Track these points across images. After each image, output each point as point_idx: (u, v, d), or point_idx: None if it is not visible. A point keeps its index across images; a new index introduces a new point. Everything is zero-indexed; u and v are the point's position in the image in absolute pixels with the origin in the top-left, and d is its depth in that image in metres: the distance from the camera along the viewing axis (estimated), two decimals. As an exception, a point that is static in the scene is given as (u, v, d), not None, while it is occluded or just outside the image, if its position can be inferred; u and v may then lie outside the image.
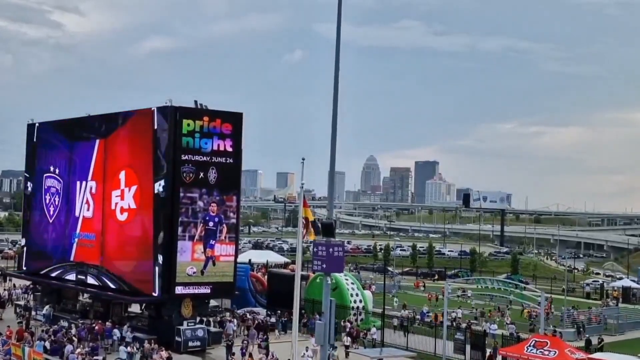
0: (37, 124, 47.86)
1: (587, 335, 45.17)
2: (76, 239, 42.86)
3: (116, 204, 39.45)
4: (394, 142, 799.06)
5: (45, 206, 46.24)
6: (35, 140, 48.02)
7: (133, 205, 38.29)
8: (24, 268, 48.40)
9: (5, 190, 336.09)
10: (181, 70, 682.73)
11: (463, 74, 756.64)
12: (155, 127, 36.94)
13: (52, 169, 45.84)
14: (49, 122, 47.74)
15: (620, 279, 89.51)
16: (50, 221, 45.77)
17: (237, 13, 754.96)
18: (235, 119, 37.92)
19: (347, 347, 36.94)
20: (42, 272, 45.66)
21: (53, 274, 44.51)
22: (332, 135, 24.94)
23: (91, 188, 41.77)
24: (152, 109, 37.22)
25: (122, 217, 39.16)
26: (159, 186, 36.43)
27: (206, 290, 37.42)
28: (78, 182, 42.98)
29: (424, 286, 78.46)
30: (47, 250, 45.90)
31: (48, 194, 46.03)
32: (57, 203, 45.14)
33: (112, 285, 39.50)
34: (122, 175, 39.12)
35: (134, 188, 38.24)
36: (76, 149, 43.69)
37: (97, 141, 41.41)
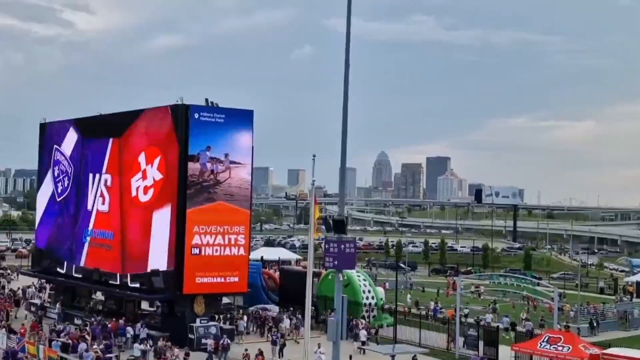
0: (54, 126, 48.02)
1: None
2: (88, 237, 42.67)
3: (137, 188, 38.60)
4: (405, 137, 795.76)
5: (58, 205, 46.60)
6: (49, 140, 48.26)
7: (158, 177, 37.34)
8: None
9: (19, 190, 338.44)
10: (192, 67, 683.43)
11: (474, 68, 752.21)
12: (172, 117, 36.80)
13: (65, 166, 46.02)
14: (61, 121, 47.93)
15: (635, 273, 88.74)
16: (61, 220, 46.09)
17: (247, 9, 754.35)
18: (245, 117, 37.95)
19: (363, 343, 36.97)
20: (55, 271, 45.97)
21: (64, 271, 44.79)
22: (342, 131, 24.88)
23: (106, 181, 41.43)
24: (167, 108, 37.21)
25: (145, 198, 38.25)
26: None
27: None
28: (91, 175, 42.77)
29: None
30: (58, 250, 46.21)
31: (60, 186, 46.27)
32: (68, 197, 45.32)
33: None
34: (141, 158, 38.43)
35: (157, 160, 37.43)
36: (89, 145, 43.64)
37: (111, 139, 41.40)
